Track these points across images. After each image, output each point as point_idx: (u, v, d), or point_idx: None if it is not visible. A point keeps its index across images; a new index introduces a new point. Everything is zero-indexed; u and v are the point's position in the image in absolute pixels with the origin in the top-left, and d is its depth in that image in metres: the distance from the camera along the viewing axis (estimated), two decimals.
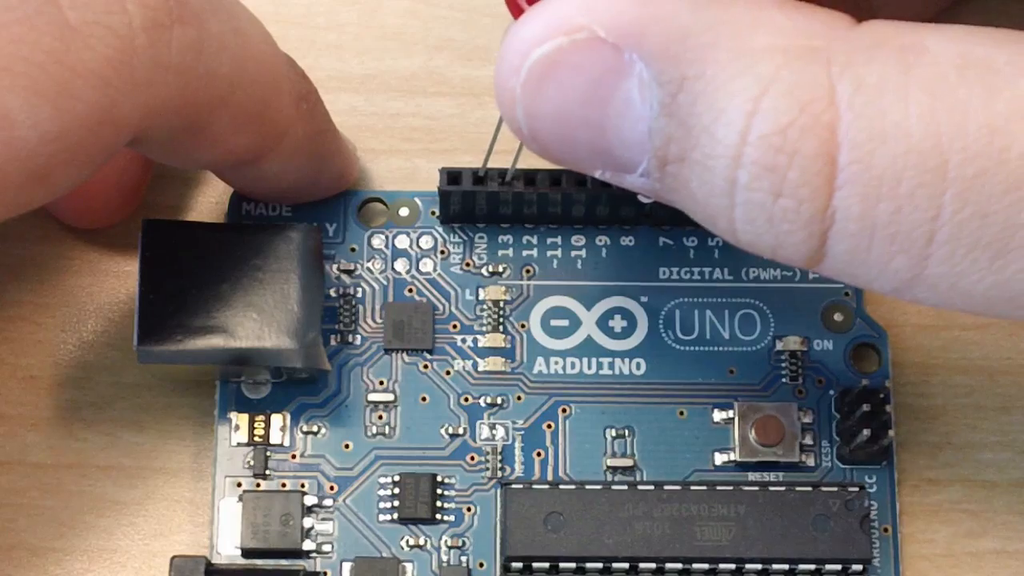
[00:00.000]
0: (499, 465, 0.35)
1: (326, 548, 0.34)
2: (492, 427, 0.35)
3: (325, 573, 0.34)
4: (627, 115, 0.26)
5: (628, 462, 0.35)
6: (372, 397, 0.35)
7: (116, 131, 0.28)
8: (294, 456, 0.35)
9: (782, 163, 0.25)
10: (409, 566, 0.34)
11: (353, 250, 0.36)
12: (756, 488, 0.33)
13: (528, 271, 0.36)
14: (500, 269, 0.36)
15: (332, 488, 0.34)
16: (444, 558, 0.34)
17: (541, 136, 0.27)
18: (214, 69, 0.30)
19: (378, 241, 0.36)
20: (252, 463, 0.34)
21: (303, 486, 0.34)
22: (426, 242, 0.36)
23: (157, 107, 0.29)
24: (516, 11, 0.27)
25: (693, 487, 0.33)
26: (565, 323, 0.35)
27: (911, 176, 0.24)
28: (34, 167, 0.27)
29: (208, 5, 0.30)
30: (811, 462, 0.35)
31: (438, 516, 0.34)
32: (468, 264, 0.36)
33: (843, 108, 0.24)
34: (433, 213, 0.36)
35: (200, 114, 0.30)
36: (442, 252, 0.36)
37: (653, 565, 0.33)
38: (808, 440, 0.35)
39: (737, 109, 0.25)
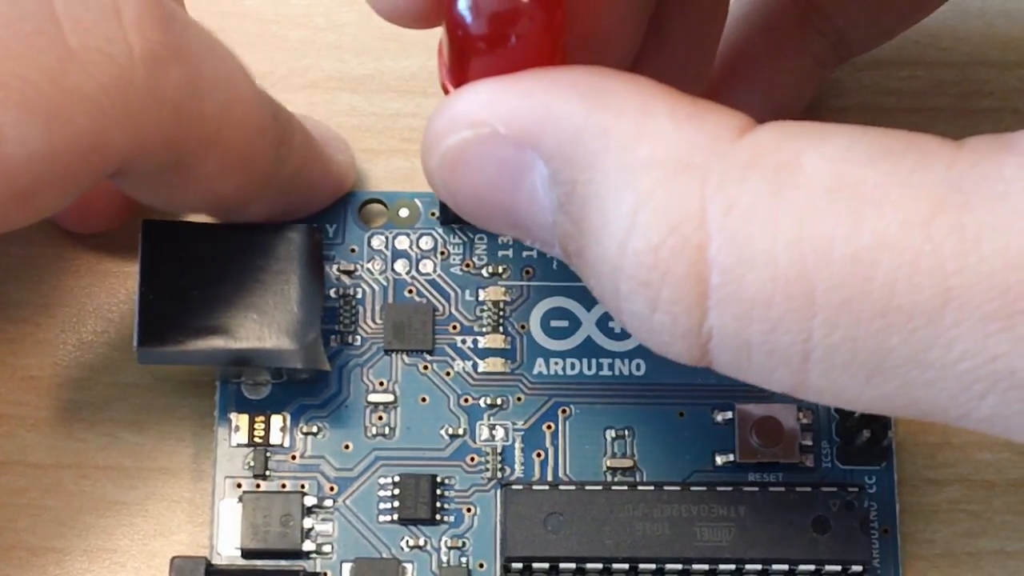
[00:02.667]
0: (499, 466, 0.35)
1: (326, 549, 0.34)
2: (492, 428, 0.35)
3: (325, 574, 0.34)
4: (535, 204, 0.27)
5: (628, 463, 0.35)
6: (372, 398, 0.35)
7: (104, 159, 0.28)
8: (294, 457, 0.35)
9: (656, 280, 0.25)
10: (409, 567, 0.34)
11: (353, 251, 0.36)
12: (756, 489, 0.33)
13: (528, 272, 0.36)
14: (500, 270, 0.36)
15: (332, 489, 0.34)
16: (444, 559, 0.34)
17: (463, 211, 0.28)
18: (206, 110, 0.30)
19: (378, 242, 0.36)
20: (252, 464, 0.34)
21: (303, 487, 0.34)
22: (426, 243, 0.36)
23: (147, 141, 0.29)
24: (446, 92, 0.28)
25: (693, 488, 0.33)
26: (565, 324, 0.36)
27: (779, 302, 0.24)
28: (18, 186, 0.27)
29: (204, 47, 0.30)
30: (811, 463, 0.35)
31: (438, 517, 0.34)
32: (468, 265, 0.36)
33: (713, 230, 0.24)
34: (433, 214, 0.36)
35: (188, 153, 0.30)
36: (442, 253, 0.36)
37: (653, 566, 0.33)
38: (808, 441, 0.35)
39: (617, 222, 0.25)
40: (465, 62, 0.27)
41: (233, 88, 0.31)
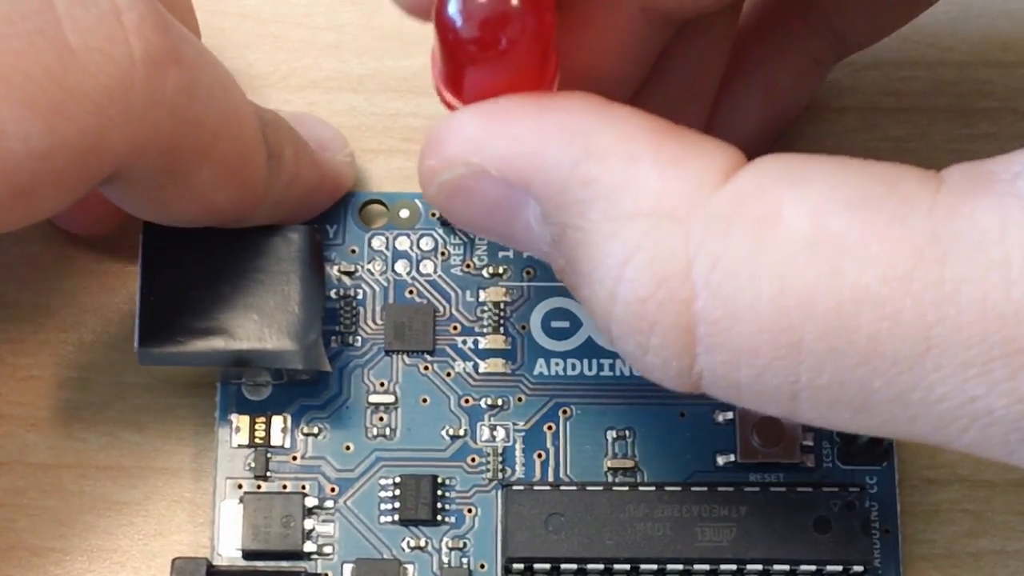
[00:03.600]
0: (500, 466, 0.35)
1: (327, 550, 0.34)
2: (493, 428, 0.35)
3: (326, 575, 0.34)
4: (530, 234, 0.28)
5: (629, 463, 0.35)
6: (373, 399, 0.35)
7: (102, 160, 0.28)
8: (295, 458, 0.35)
9: (645, 329, 0.26)
10: (410, 567, 0.34)
11: (353, 252, 0.36)
12: (757, 489, 0.33)
13: (529, 272, 0.36)
14: (501, 271, 0.36)
15: (333, 490, 0.34)
16: (445, 559, 0.34)
17: (466, 228, 0.29)
18: (202, 117, 0.30)
19: (378, 243, 0.36)
20: (253, 465, 0.34)
21: (304, 488, 0.34)
22: (426, 244, 0.36)
23: (144, 144, 0.29)
24: (448, 107, 0.28)
25: (694, 488, 0.33)
26: (566, 324, 0.35)
27: (766, 351, 0.25)
28: (17, 182, 0.27)
29: (200, 56, 0.30)
30: (812, 463, 0.35)
31: (439, 518, 0.34)
32: (469, 266, 0.36)
33: (699, 286, 0.25)
34: (433, 215, 0.36)
35: (184, 160, 0.30)
36: (442, 254, 0.36)
37: (654, 566, 0.33)
38: (809, 441, 0.35)
39: (607, 270, 0.26)
40: (457, 66, 0.27)
41: (227, 98, 0.31)
